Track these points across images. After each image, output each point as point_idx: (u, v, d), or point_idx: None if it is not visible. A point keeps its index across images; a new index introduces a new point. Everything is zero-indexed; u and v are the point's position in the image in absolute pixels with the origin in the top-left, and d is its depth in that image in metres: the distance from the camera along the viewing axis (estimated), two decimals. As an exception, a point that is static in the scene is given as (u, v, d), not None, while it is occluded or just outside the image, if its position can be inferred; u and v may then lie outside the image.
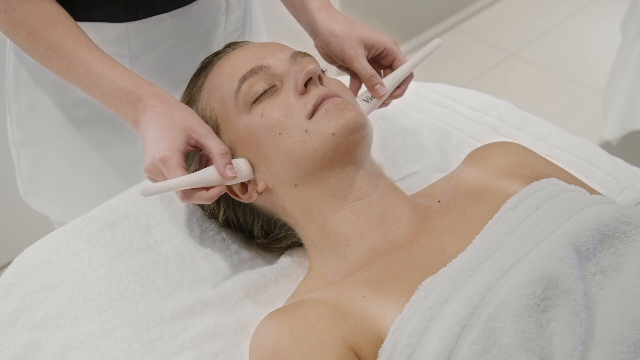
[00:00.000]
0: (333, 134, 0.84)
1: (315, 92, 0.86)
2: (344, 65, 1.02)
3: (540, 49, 2.82)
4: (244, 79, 0.88)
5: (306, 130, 0.84)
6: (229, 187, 0.89)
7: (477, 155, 0.95)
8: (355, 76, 1.01)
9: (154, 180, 0.84)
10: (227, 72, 0.91)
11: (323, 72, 0.94)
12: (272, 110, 0.86)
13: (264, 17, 1.19)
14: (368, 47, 0.98)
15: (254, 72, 0.89)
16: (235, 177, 0.83)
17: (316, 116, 0.85)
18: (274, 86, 0.88)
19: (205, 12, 1.08)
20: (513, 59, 2.77)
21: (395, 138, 1.16)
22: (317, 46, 1.04)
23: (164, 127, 0.82)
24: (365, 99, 0.97)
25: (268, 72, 0.89)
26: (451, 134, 1.19)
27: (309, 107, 0.85)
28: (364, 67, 0.96)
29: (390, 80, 0.98)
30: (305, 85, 0.87)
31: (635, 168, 1.12)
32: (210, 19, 1.09)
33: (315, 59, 0.93)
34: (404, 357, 0.70)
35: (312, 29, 1.02)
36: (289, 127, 0.85)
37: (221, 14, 1.11)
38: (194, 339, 0.85)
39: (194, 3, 1.05)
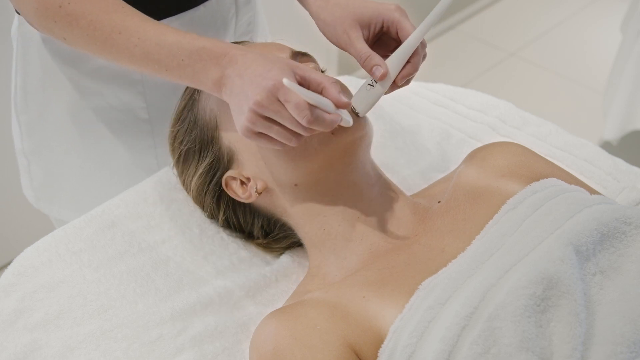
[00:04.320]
0: (333, 133, 0.84)
1: (315, 92, 0.86)
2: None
3: (540, 49, 2.82)
4: (244, 78, 0.88)
5: (306, 130, 0.84)
6: (228, 186, 0.89)
7: (477, 156, 0.95)
8: (381, 48, 0.88)
9: (262, 120, 0.76)
10: (227, 72, 0.91)
11: (323, 71, 0.94)
12: (272, 110, 0.86)
13: (263, 16, 1.19)
14: (365, 26, 0.86)
15: (253, 71, 0.88)
16: (349, 104, 0.76)
17: (316, 116, 0.85)
18: (274, 86, 0.88)
19: (213, 14, 1.06)
20: (513, 59, 2.77)
21: (395, 138, 1.16)
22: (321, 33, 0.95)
23: (265, 64, 0.75)
24: (370, 82, 0.83)
25: (268, 72, 0.89)
26: (451, 134, 1.19)
27: (309, 107, 0.85)
28: (358, 50, 0.84)
29: (394, 59, 0.82)
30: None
31: (635, 168, 1.12)
32: (219, 21, 1.08)
33: (314, 59, 0.93)
34: (404, 357, 0.70)
35: (312, 17, 0.94)
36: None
37: (230, 17, 1.09)
38: (194, 339, 0.85)
39: (201, 6, 1.03)
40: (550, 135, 1.18)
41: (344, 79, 1.25)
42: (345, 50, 0.87)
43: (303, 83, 0.76)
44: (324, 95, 0.75)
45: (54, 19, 0.85)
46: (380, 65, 0.81)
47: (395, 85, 0.84)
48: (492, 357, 0.67)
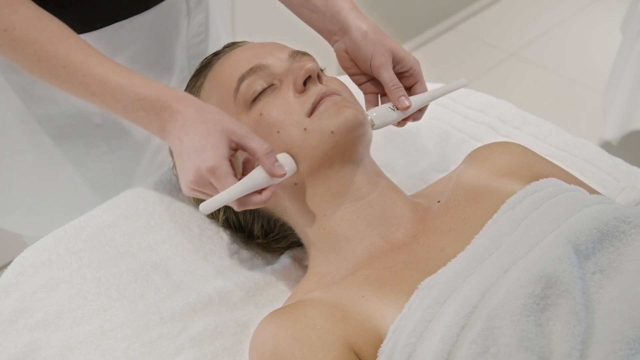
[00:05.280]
0: (332, 132, 0.84)
1: (314, 91, 0.86)
2: (358, 74, 0.97)
3: (540, 49, 2.82)
4: (242, 78, 0.89)
5: (305, 129, 0.85)
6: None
7: (477, 155, 0.95)
8: (373, 88, 0.97)
9: (199, 192, 0.80)
10: (226, 71, 0.91)
11: (322, 70, 0.94)
12: (271, 109, 0.86)
13: (263, 16, 1.19)
14: (395, 61, 0.94)
15: (252, 71, 0.89)
16: (285, 174, 0.80)
17: (315, 114, 0.85)
18: (272, 85, 0.88)
19: (165, 16, 1.04)
20: (513, 59, 2.77)
21: (395, 138, 1.16)
22: (339, 48, 0.98)
23: (202, 133, 0.78)
24: (391, 107, 0.93)
25: (267, 72, 0.89)
26: (451, 134, 1.19)
27: (308, 106, 0.85)
28: (392, 77, 0.92)
29: (416, 100, 0.94)
30: (305, 83, 0.87)
31: (635, 168, 1.12)
32: (171, 23, 1.06)
33: (314, 58, 0.94)
34: (403, 357, 0.70)
35: (340, 29, 0.96)
36: (288, 125, 0.85)
37: (182, 19, 1.07)
38: (194, 339, 0.85)
39: (153, 9, 1.01)
40: (550, 135, 1.18)
41: (344, 79, 1.25)
42: (374, 69, 0.93)
43: (239, 149, 0.80)
44: (261, 164, 0.79)
45: None
46: (407, 98, 0.92)
47: (399, 123, 0.95)
48: (491, 357, 0.67)
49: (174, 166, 0.99)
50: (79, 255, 0.93)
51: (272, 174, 0.79)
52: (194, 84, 0.96)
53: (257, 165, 0.80)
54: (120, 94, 0.82)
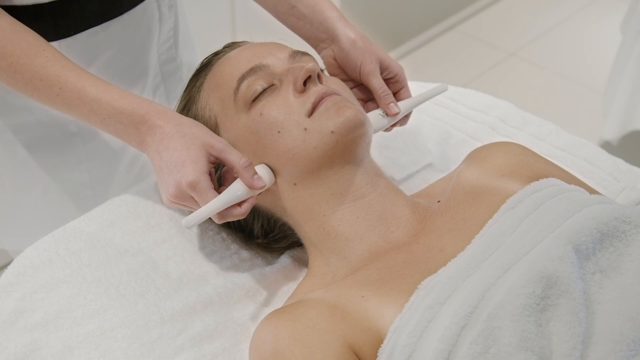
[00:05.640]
0: (332, 131, 0.84)
1: (315, 91, 0.86)
2: (346, 80, 0.99)
3: (540, 49, 2.82)
4: (243, 78, 0.89)
5: (305, 129, 0.85)
6: None
7: (477, 155, 0.95)
8: (360, 95, 0.99)
9: (180, 205, 0.82)
10: (226, 71, 0.91)
11: (322, 70, 0.94)
12: (271, 109, 0.86)
13: (263, 16, 1.18)
14: (382, 68, 0.97)
15: (253, 71, 0.89)
16: (264, 186, 0.83)
17: (315, 114, 0.85)
18: (272, 85, 0.88)
19: (138, 22, 1.04)
20: (513, 59, 2.77)
21: (395, 138, 1.16)
22: (326, 55, 1.00)
23: (181, 148, 0.79)
24: (381, 113, 0.96)
25: (267, 71, 0.89)
26: (451, 134, 1.19)
27: (308, 106, 0.85)
28: (381, 84, 0.95)
29: (404, 105, 0.98)
30: (305, 83, 0.87)
31: (635, 168, 1.12)
32: (144, 28, 1.06)
33: (314, 58, 0.94)
34: (403, 357, 0.70)
35: (329, 37, 0.99)
36: (288, 125, 0.85)
37: (155, 24, 1.07)
38: (194, 339, 0.85)
39: (126, 14, 1.01)
40: (550, 135, 1.18)
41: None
42: (363, 76, 0.96)
43: (218, 162, 0.83)
44: (239, 178, 0.81)
45: None
46: (395, 105, 0.95)
47: (388, 129, 0.98)
48: (491, 357, 0.67)
49: None
50: (79, 255, 0.93)
51: (251, 187, 0.82)
52: (194, 84, 0.96)
53: (236, 178, 0.82)
54: (98, 107, 0.83)
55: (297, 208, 0.89)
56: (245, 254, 0.97)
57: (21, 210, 1.11)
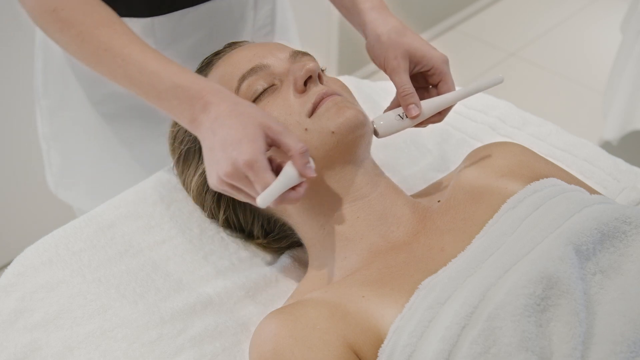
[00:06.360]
0: (333, 132, 0.84)
1: (315, 91, 0.86)
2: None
3: (540, 49, 2.82)
4: (243, 78, 0.89)
5: (306, 129, 0.84)
6: None
7: (477, 155, 0.95)
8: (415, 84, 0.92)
9: (230, 186, 0.77)
10: (226, 71, 0.91)
11: (322, 70, 0.94)
12: (271, 109, 0.86)
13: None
14: (414, 62, 0.90)
15: (253, 71, 0.89)
16: (314, 177, 0.78)
17: (316, 114, 0.85)
18: (273, 85, 0.88)
19: (231, 6, 1.05)
20: (513, 59, 2.77)
21: (396, 138, 1.15)
22: (366, 47, 0.96)
23: (237, 126, 0.75)
24: (400, 114, 0.89)
25: (267, 72, 0.89)
26: (451, 134, 1.19)
27: (309, 106, 0.85)
28: (403, 82, 0.88)
29: (430, 104, 0.90)
30: (305, 84, 0.87)
31: (635, 168, 1.12)
32: (237, 13, 1.07)
33: (314, 58, 0.94)
34: (403, 357, 0.70)
35: (363, 31, 0.96)
36: (289, 125, 0.85)
37: (249, 9, 1.08)
38: (194, 339, 0.85)
39: None
40: (550, 135, 1.18)
41: (344, 79, 1.25)
42: (387, 73, 0.91)
43: (274, 145, 0.77)
44: (293, 162, 0.76)
45: (47, 21, 0.84)
46: (417, 106, 0.88)
47: (420, 124, 0.91)
48: (492, 357, 0.67)
49: (174, 165, 0.99)
50: (79, 255, 0.93)
51: (302, 174, 0.76)
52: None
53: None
54: (157, 80, 0.81)
55: (297, 208, 0.89)
56: (245, 254, 0.97)
57: (106, 177, 1.16)
